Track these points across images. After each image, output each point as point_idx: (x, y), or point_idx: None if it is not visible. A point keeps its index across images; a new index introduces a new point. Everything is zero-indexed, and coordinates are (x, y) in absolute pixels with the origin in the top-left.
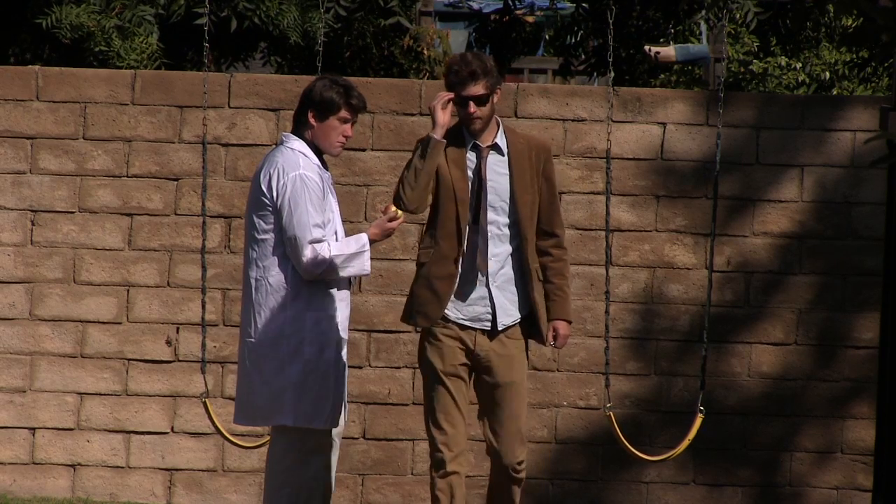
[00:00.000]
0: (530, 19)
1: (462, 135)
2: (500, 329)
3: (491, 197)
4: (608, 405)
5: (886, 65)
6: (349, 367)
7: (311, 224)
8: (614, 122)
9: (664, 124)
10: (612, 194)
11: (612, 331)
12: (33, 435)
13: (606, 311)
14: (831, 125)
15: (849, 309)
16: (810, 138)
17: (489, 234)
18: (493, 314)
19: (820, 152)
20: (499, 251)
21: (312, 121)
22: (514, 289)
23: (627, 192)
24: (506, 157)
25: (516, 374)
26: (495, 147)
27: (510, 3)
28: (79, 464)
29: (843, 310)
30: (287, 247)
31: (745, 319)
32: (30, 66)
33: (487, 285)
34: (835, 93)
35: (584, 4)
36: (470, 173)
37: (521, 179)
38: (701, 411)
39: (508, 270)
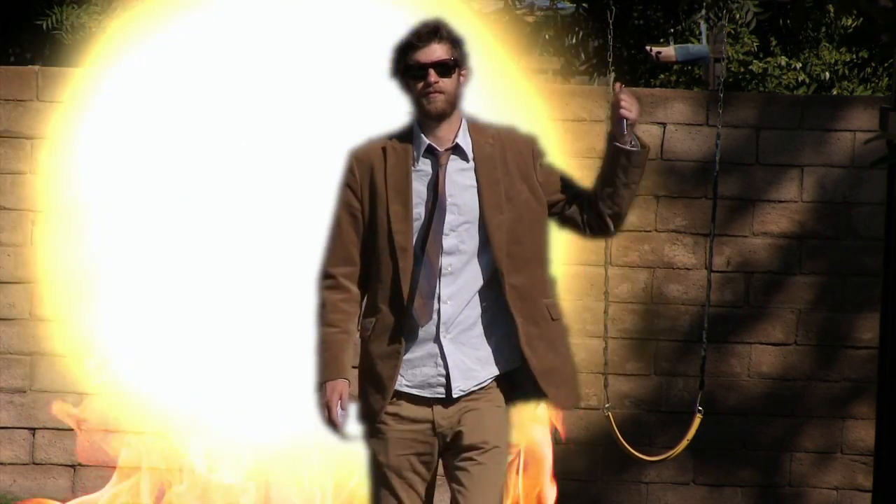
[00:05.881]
0: (530, 19)
1: (411, 138)
2: (455, 397)
3: (451, 218)
4: (607, 405)
5: (886, 65)
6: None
7: None
8: None
9: (664, 124)
10: None
11: (612, 331)
12: (33, 435)
13: (606, 311)
14: (831, 125)
15: (849, 309)
16: (810, 138)
17: (443, 268)
18: (447, 377)
19: (820, 152)
20: (456, 291)
21: None
22: (480, 342)
23: None
24: (471, 163)
25: (489, 433)
26: (457, 150)
27: (511, 2)
28: (79, 464)
29: (843, 310)
30: None
31: (745, 319)
32: (30, 66)
33: (437, 339)
34: (835, 93)
35: (584, 4)
36: (418, 194)
37: (491, 194)
38: (700, 411)
39: (471, 316)
